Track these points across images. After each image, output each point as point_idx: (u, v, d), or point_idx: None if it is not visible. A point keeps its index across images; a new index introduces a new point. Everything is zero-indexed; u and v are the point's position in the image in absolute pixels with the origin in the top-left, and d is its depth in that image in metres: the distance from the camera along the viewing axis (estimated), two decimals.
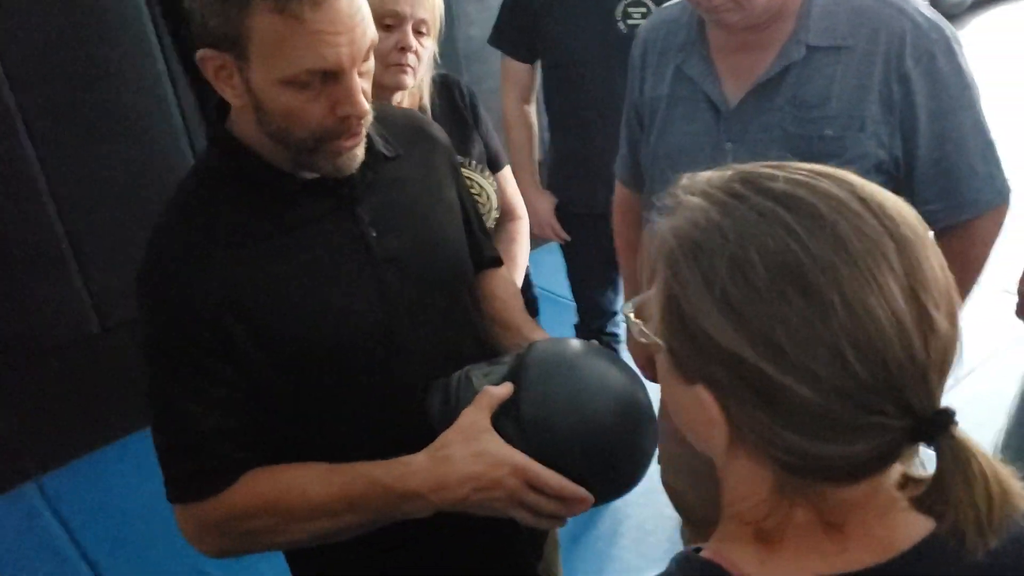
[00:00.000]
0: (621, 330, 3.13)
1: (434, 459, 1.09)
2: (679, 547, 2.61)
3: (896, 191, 1.51)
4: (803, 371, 0.64)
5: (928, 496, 0.67)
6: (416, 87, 1.79)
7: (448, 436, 1.11)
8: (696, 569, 0.74)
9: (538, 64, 2.60)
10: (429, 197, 1.32)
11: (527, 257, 2.04)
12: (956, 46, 1.46)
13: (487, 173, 1.93)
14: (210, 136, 1.24)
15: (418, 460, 1.10)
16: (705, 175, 0.75)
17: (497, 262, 1.54)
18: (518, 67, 2.58)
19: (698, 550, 0.76)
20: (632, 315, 0.80)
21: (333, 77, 1.07)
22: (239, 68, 1.08)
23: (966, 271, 1.56)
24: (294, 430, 1.20)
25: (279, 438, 1.19)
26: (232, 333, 1.12)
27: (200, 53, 1.09)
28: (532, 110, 2.64)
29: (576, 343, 1.19)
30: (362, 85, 1.11)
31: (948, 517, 0.65)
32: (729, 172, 0.74)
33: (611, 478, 1.10)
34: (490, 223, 1.89)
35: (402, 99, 1.79)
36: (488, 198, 1.88)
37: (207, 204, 1.16)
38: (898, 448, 0.66)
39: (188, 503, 1.15)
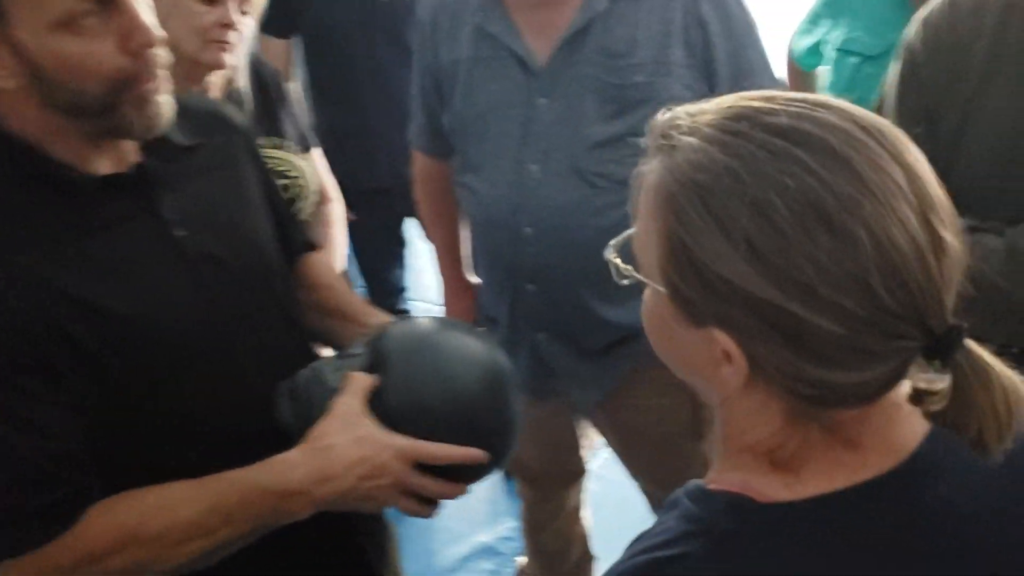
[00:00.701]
0: (412, 306, 3.11)
1: (313, 451, 1.04)
2: (505, 508, 2.65)
3: None
4: (832, 307, 0.64)
5: (950, 409, 0.68)
6: (231, 68, 1.67)
7: (325, 426, 1.05)
8: (721, 503, 0.73)
9: (296, 40, 2.50)
10: (235, 186, 1.24)
11: (346, 238, 1.96)
12: None
13: (304, 155, 1.83)
14: None
15: (295, 455, 1.04)
16: (688, 112, 0.72)
17: (311, 247, 1.47)
18: (275, 44, 2.46)
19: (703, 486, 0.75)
20: (618, 259, 0.78)
21: (110, 3, 0.97)
22: (4, 40, 0.95)
23: None
24: (137, 454, 1.07)
25: (123, 466, 1.06)
26: (52, 349, 0.98)
27: None
28: (295, 88, 2.54)
29: (426, 321, 1.18)
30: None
31: (971, 426, 0.67)
32: (717, 107, 0.71)
33: (491, 445, 1.10)
34: (310, 206, 1.80)
35: (216, 79, 1.67)
36: (307, 180, 1.78)
37: None
38: (909, 366, 0.68)
39: (24, 553, 0.98)
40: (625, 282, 0.78)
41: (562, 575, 2.26)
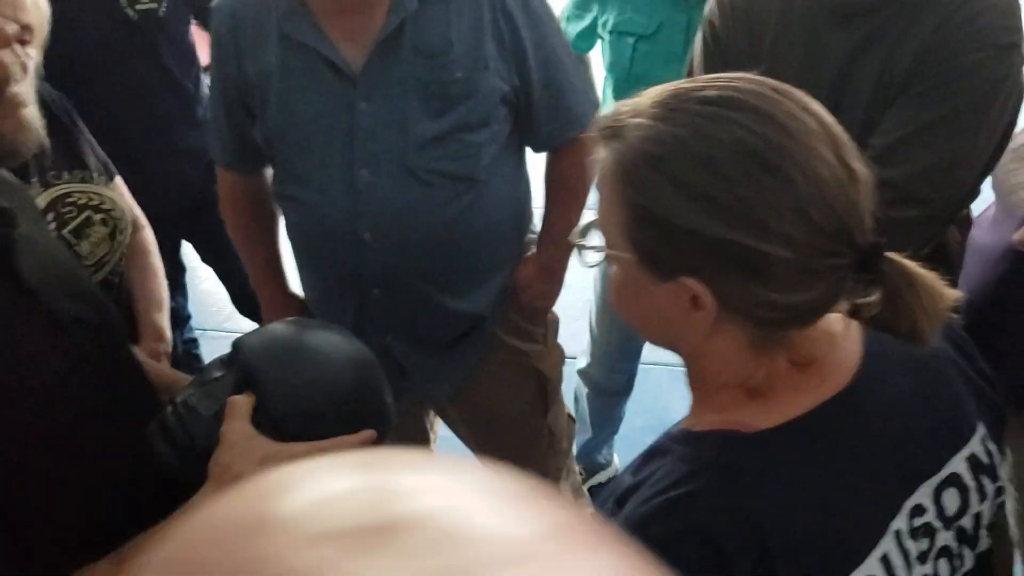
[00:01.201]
0: (199, 335, 2.97)
1: (224, 483, 1.02)
2: None
3: (517, 121, 1.67)
4: (780, 236, 0.75)
5: (885, 312, 0.81)
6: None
7: (224, 457, 1.04)
8: (714, 440, 0.83)
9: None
10: (56, 247, 1.19)
11: (162, 265, 1.85)
12: None
13: (110, 184, 1.70)
14: None
15: (207, 494, 1.02)
16: (628, 104, 0.81)
17: None
18: None
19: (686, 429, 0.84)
20: (583, 242, 0.87)
21: None
22: None
23: (582, 180, 1.78)
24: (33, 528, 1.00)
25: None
26: None
27: None
28: None
29: (277, 326, 1.19)
30: None
31: (904, 324, 0.81)
32: (652, 96, 0.81)
33: (376, 424, 1.13)
34: (127, 238, 1.68)
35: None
36: (120, 211, 1.66)
37: None
38: (845, 283, 0.80)
39: None
40: (592, 264, 0.85)
41: None
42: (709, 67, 1.50)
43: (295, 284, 1.90)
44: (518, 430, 1.95)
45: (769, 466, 0.83)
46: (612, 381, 2.47)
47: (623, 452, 2.79)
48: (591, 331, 2.41)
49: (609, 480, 2.67)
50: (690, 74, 1.56)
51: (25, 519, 0.98)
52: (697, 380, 0.89)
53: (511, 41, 1.59)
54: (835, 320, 0.86)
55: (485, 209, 1.67)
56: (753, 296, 0.78)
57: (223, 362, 1.13)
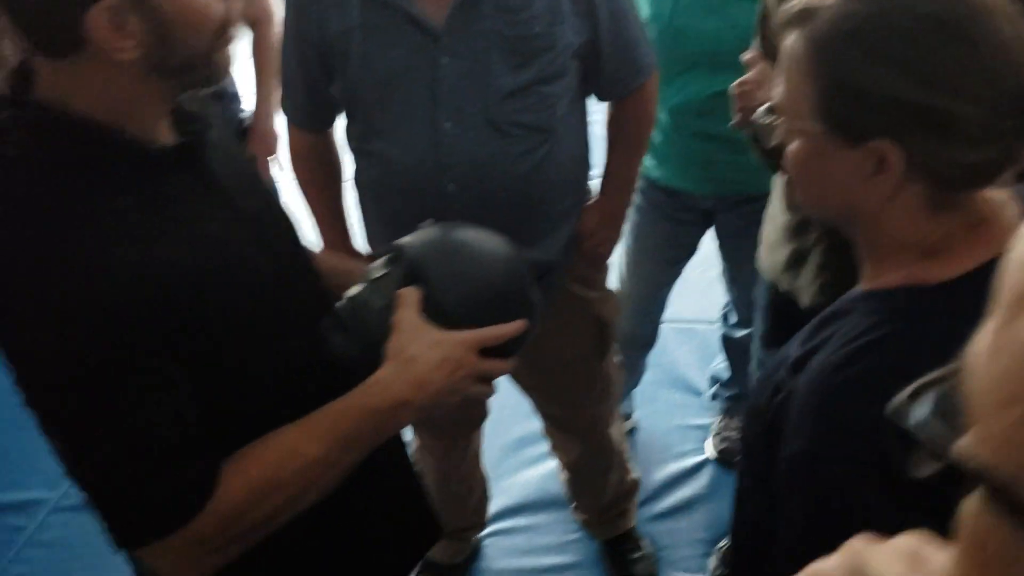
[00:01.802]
0: None
1: (401, 364, 1.13)
2: None
3: (585, 73, 1.74)
4: (970, 95, 0.85)
5: None
6: None
7: (399, 341, 1.14)
8: (897, 294, 0.93)
9: None
10: (236, 149, 1.29)
11: None
12: None
13: None
14: (26, 118, 1.02)
15: (387, 372, 1.13)
16: None
17: None
18: None
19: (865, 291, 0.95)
20: (770, 119, 0.99)
21: None
22: (136, 5, 0.95)
23: (645, 126, 1.87)
24: (230, 413, 1.12)
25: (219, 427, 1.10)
26: (167, 328, 1.01)
27: (93, 14, 0.92)
28: None
29: (435, 228, 1.29)
30: None
31: None
32: None
33: (528, 316, 1.24)
34: None
35: None
36: None
37: (70, 193, 0.99)
38: (1021, 146, 0.90)
39: (174, 532, 1.02)
40: (772, 144, 1.01)
41: (463, 519, 2.35)
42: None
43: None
44: (576, 375, 2.03)
45: (956, 313, 0.92)
46: (639, 334, 2.56)
47: (638, 405, 2.89)
48: (620, 284, 2.49)
49: (631, 431, 2.77)
50: (763, 11, 1.64)
51: (223, 399, 1.09)
52: (873, 245, 0.98)
53: None
54: (1001, 188, 0.96)
55: (558, 159, 1.74)
56: (939, 155, 0.87)
57: (387, 261, 1.23)
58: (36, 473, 2.80)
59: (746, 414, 1.16)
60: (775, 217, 1.83)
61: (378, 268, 1.23)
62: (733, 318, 2.59)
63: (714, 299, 3.21)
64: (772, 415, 1.01)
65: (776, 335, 1.96)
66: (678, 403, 2.96)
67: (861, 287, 1.00)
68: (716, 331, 2.89)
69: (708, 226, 2.41)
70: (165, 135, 1.09)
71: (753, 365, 2.11)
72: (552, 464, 2.69)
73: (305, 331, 1.18)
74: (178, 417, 1.02)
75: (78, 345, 0.96)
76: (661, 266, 2.47)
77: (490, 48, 1.62)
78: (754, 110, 1.61)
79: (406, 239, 1.26)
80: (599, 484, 2.32)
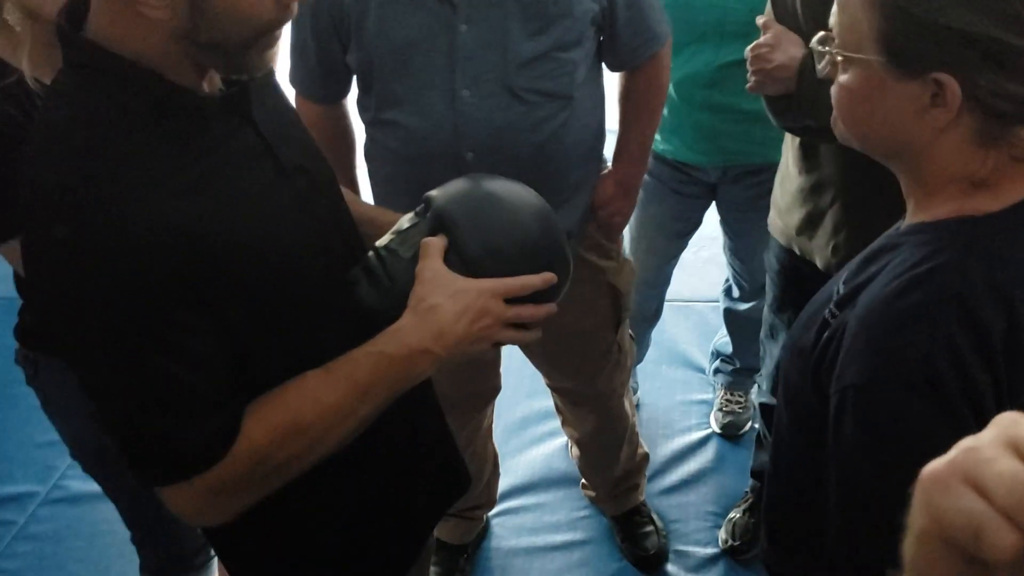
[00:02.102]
0: None
1: (421, 313, 1.12)
2: None
3: (600, 41, 1.73)
4: None
5: None
6: None
7: (420, 291, 1.13)
8: (949, 225, 0.95)
9: None
10: (282, 102, 1.27)
11: None
12: None
13: None
14: (75, 57, 1.01)
15: (407, 321, 1.12)
16: None
17: None
18: None
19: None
20: (827, 47, 0.97)
21: None
22: None
23: (658, 95, 1.87)
24: (258, 358, 1.12)
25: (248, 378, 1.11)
26: (198, 279, 1.00)
27: None
28: None
29: (463, 180, 1.27)
30: None
31: None
32: None
33: (558, 268, 1.22)
34: None
35: None
36: None
37: (113, 136, 0.99)
38: None
39: (199, 474, 1.03)
40: (824, 73, 1.00)
41: (474, 497, 2.35)
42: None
43: None
44: (591, 345, 2.04)
45: (1008, 242, 0.94)
46: (645, 307, 2.57)
47: (640, 382, 2.91)
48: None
49: (636, 407, 2.78)
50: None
51: (257, 345, 1.09)
52: (921, 180, 0.99)
53: None
54: None
55: (576, 127, 1.74)
56: (997, 88, 0.89)
57: (416, 213, 1.22)
58: (26, 467, 2.77)
59: (786, 355, 1.16)
60: (788, 180, 1.84)
61: (408, 219, 1.23)
62: (735, 292, 2.61)
63: (709, 278, 3.24)
64: (819, 353, 1.02)
65: (788, 299, 1.97)
66: (680, 379, 2.98)
67: (908, 220, 1.01)
68: (713, 309, 2.91)
69: (712, 199, 2.42)
70: (211, 85, 1.08)
71: (764, 332, 2.12)
72: (558, 442, 2.70)
73: (336, 284, 1.17)
74: (204, 364, 1.02)
75: (107, 289, 0.96)
76: (667, 240, 2.48)
77: (508, 15, 1.61)
78: (770, 73, 1.63)
79: (436, 190, 1.25)
80: (611, 458, 2.32)
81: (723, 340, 2.78)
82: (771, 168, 2.23)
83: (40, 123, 1.04)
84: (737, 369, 2.75)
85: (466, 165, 1.67)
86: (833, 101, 1.01)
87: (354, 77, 1.76)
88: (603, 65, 1.82)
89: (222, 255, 1.01)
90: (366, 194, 1.93)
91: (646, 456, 2.45)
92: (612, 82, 1.90)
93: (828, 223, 1.75)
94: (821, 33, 1.00)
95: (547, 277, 1.18)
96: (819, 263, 1.80)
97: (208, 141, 1.04)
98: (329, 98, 1.82)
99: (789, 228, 1.85)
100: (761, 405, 2.24)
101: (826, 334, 1.00)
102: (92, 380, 1.03)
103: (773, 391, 2.15)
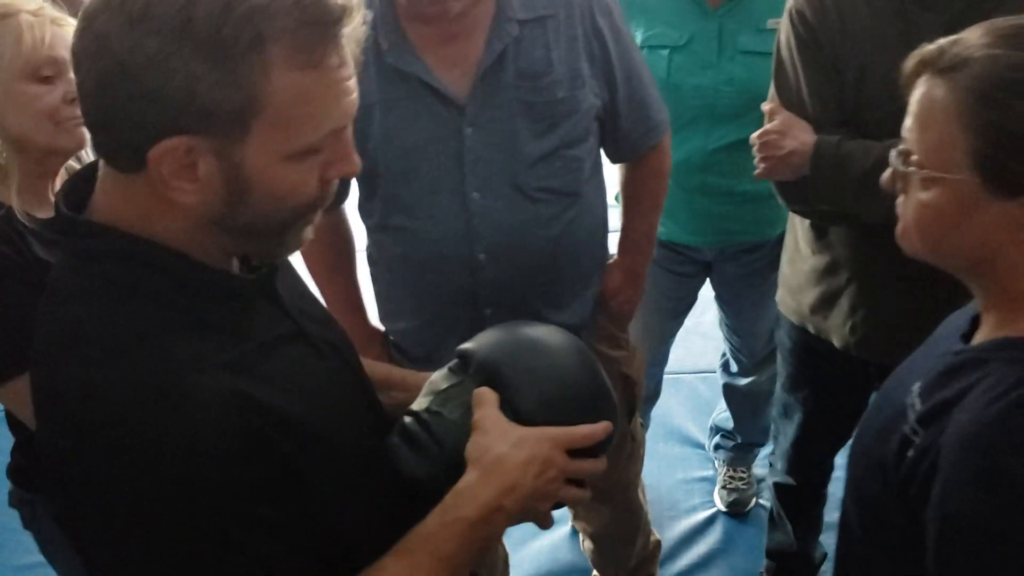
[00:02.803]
0: None
1: (486, 468, 1.02)
2: None
3: (602, 135, 1.72)
4: None
5: None
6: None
7: (483, 441, 1.04)
8: None
9: None
10: (294, 274, 1.18)
11: None
12: None
13: None
14: (83, 246, 0.92)
15: (474, 477, 1.02)
16: (956, 41, 0.93)
17: None
18: None
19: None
20: (909, 166, 0.96)
21: (339, 134, 0.90)
22: (220, 151, 0.84)
23: (662, 184, 1.86)
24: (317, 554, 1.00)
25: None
26: (270, 469, 0.90)
27: (165, 145, 0.82)
28: None
29: (495, 331, 1.20)
30: None
31: None
32: (987, 30, 0.92)
33: (608, 415, 1.15)
34: None
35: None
36: None
37: (145, 329, 0.88)
38: None
39: None
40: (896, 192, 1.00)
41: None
42: (804, 54, 1.60)
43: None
44: None
45: None
46: (645, 388, 2.53)
47: None
48: None
49: None
50: (779, 64, 1.65)
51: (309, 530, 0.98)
52: (1008, 293, 0.97)
53: (600, 57, 1.66)
54: None
55: (585, 221, 1.72)
56: None
57: (452, 371, 1.14)
58: None
59: (860, 463, 1.12)
60: (799, 260, 1.83)
61: (443, 378, 1.15)
62: (734, 367, 2.58)
63: (695, 348, 3.23)
64: (906, 471, 0.98)
65: (804, 378, 1.95)
66: (678, 456, 2.94)
67: (990, 335, 0.98)
68: (702, 380, 2.88)
69: (706, 276, 2.41)
70: (232, 265, 1.00)
71: (777, 411, 2.10)
72: (563, 530, 2.63)
73: (368, 456, 1.08)
74: (281, 561, 0.90)
75: (164, 501, 0.84)
76: (664, 320, 2.45)
77: (515, 116, 1.60)
78: (782, 159, 1.62)
79: (468, 345, 1.18)
80: (626, 550, 2.26)
81: (722, 415, 2.75)
82: (766, 245, 2.24)
83: (49, 327, 0.93)
84: (738, 445, 2.71)
85: (479, 267, 1.64)
86: (909, 217, 0.99)
87: (354, 182, 1.72)
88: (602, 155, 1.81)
89: (288, 441, 0.91)
90: (368, 299, 1.88)
91: (658, 544, 2.39)
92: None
93: (844, 303, 1.74)
94: (899, 148, 0.98)
95: (607, 427, 1.09)
96: (836, 342, 1.78)
97: (243, 323, 0.96)
98: (331, 206, 1.77)
99: (802, 307, 1.83)
100: (776, 485, 2.20)
101: (911, 452, 0.97)
102: None
103: (789, 471, 2.12)
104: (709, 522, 2.69)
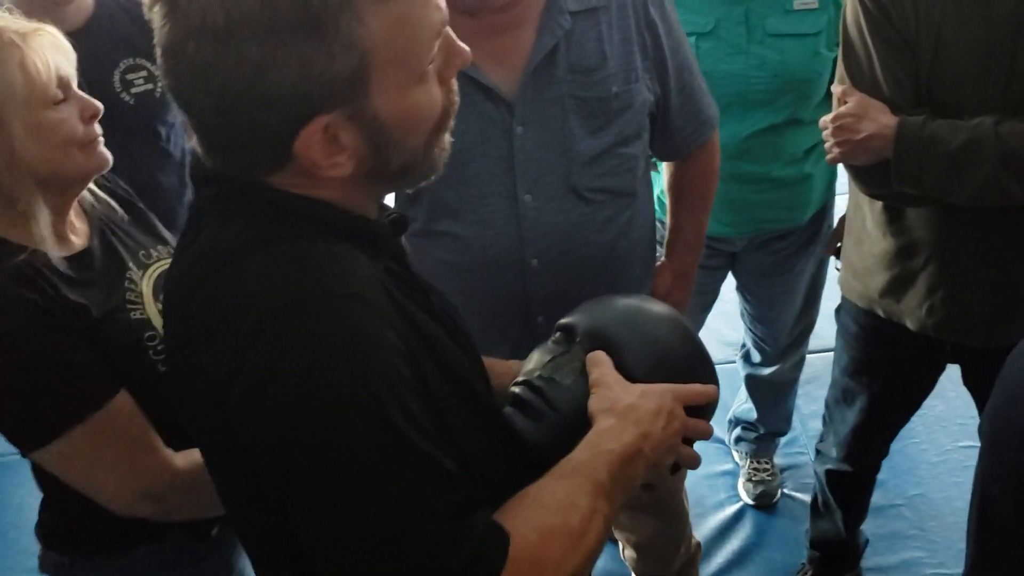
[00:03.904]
0: None
1: (620, 414, 1.02)
2: None
3: (652, 132, 1.64)
4: None
5: None
6: None
7: (609, 394, 1.04)
8: None
9: None
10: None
11: None
12: None
13: None
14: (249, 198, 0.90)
15: (610, 423, 1.01)
16: None
17: None
18: None
19: None
20: None
21: (440, 36, 0.89)
22: (354, 114, 0.84)
23: (711, 181, 1.78)
24: None
25: None
26: (425, 388, 0.89)
27: (306, 135, 0.82)
28: None
29: (597, 301, 1.21)
30: None
31: None
32: None
33: (710, 377, 1.16)
34: None
35: None
36: None
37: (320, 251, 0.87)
38: None
39: None
40: None
41: None
42: (876, 33, 1.53)
43: None
44: None
45: None
46: None
47: None
48: None
49: None
50: (847, 44, 1.58)
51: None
52: None
53: (653, 50, 1.58)
54: None
55: (639, 222, 1.64)
56: None
57: (557, 342, 1.15)
58: None
59: (994, 468, 1.05)
60: (868, 242, 1.78)
61: (547, 351, 1.15)
62: (756, 357, 2.53)
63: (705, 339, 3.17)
64: None
65: (871, 362, 1.91)
66: (698, 450, 2.86)
67: None
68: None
69: (729, 269, 2.35)
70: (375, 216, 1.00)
71: (834, 396, 2.04)
72: None
73: (487, 424, 1.05)
74: (453, 482, 0.85)
75: (359, 407, 0.80)
76: (692, 315, 2.37)
77: (566, 113, 1.50)
78: (860, 143, 1.55)
79: (567, 319, 1.17)
80: (671, 557, 2.18)
81: (743, 407, 2.69)
82: (796, 231, 2.19)
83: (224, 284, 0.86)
84: (761, 436, 2.66)
85: (531, 272, 1.54)
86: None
87: None
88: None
89: (431, 364, 0.91)
90: None
91: (699, 546, 2.32)
92: None
93: (921, 285, 1.70)
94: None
95: (715, 389, 1.11)
96: (911, 324, 1.74)
97: (386, 264, 0.96)
98: None
99: (870, 290, 1.79)
100: (828, 472, 2.15)
101: None
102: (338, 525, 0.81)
103: (845, 458, 2.07)
104: (738, 517, 2.63)
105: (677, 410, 1.05)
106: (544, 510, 0.91)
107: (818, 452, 2.19)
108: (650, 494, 1.13)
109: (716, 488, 2.73)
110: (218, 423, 0.86)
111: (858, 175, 1.64)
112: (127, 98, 2.03)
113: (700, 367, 1.14)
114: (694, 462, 1.12)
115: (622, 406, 1.02)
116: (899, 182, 1.55)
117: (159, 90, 2.07)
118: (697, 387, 1.08)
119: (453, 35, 0.90)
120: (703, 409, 1.11)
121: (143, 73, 2.04)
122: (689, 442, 1.11)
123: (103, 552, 1.40)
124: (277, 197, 0.88)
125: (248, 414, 0.81)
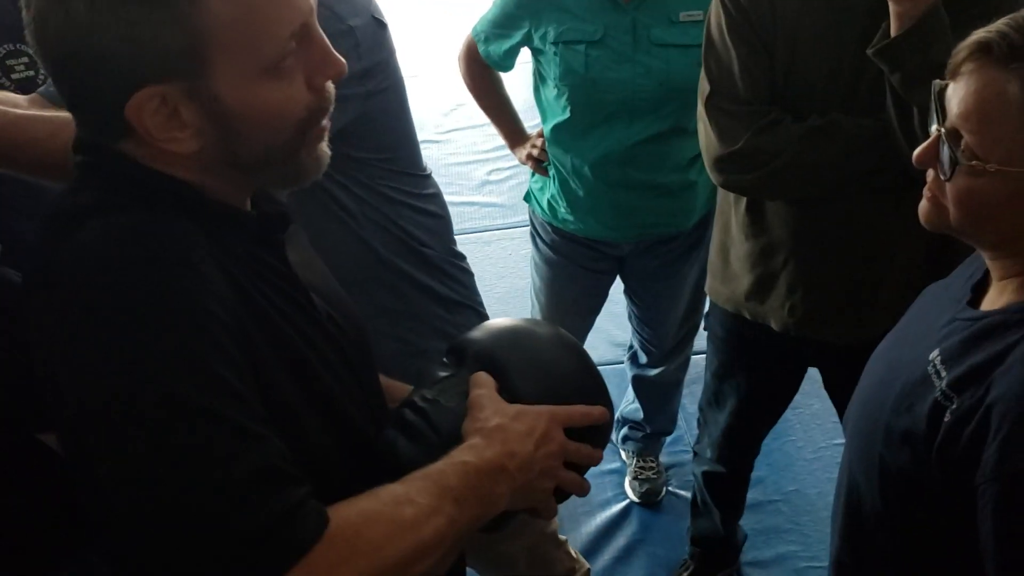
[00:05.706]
0: None
1: (487, 432, 1.00)
2: None
3: None
4: None
5: None
6: None
7: (481, 415, 1.02)
8: None
9: None
10: (311, 254, 1.16)
11: None
12: None
13: None
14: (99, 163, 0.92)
15: (477, 440, 0.99)
16: (1012, 26, 0.92)
17: None
18: None
19: None
20: (966, 158, 0.95)
21: (304, 34, 0.89)
22: (193, 92, 0.85)
23: None
24: None
25: None
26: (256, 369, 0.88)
27: (135, 101, 0.83)
28: None
29: (487, 324, 1.20)
30: None
31: None
32: None
33: (602, 401, 1.15)
34: None
35: None
36: None
37: (165, 231, 0.88)
38: None
39: (309, 550, 0.81)
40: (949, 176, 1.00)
41: None
42: (735, 34, 1.60)
43: None
44: None
45: None
46: None
47: None
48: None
49: None
50: (709, 45, 1.65)
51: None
52: None
53: None
54: None
55: None
56: None
57: (446, 363, 1.15)
58: None
59: (880, 440, 1.11)
60: (732, 246, 1.83)
61: (438, 371, 1.14)
62: (643, 358, 2.59)
63: (589, 343, 3.23)
64: (944, 438, 0.99)
65: (739, 365, 1.97)
66: None
67: (1013, 299, 1.01)
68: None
69: (616, 273, 2.41)
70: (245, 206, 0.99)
71: (706, 399, 2.11)
72: None
73: (367, 446, 1.05)
74: (272, 442, 0.84)
75: (174, 343, 0.81)
76: (580, 317, 2.44)
77: None
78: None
79: (465, 337, 1.16)
80: None
81: (630, 407, 2.76)
82: (680, 235, 2.25)
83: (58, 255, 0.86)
84: (647, 435, 2.73)
85: None
86: (950, 198, 1.00)
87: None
88: None
89: (270, 352, 0.90)
90: None
91: (587, 573, 2.32)
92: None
93: (782, 284, 1.75)
94: (944, 129, 0.98)
95: (603, 411, 1.09)
96: (775, 325, 1.80)
97: (248, 252, 0.95)
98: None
99: (736, 294, 1.84)
100: (704, 474, 2.22)
101: (947, 418, 0.98)
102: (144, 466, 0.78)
103: (719, 459, 2.14)
104: (624, 514, 2.70)
105: (553, 432, 1.03)
106: (375, 500, 0.90)
107: (695, 454, 2.27)
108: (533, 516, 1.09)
109: (604, 486, 2.78)
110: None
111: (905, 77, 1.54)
112: (8, 84, 1.97)
113: (590, 390, 1.12)
114: (579, 488, 1.08)
115: (491, 426, 1.01)
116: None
117: (41, 76, 2.01)
118: (580, 409, 1.06)
119: (328, 44, 0.91)
120: (593, 434, 1.09)
121: (24, 59, 1.98)
122: (579, 468, 1.08)
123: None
124: (128, 168, 0.89)
125: (63, 370, 0.82)
